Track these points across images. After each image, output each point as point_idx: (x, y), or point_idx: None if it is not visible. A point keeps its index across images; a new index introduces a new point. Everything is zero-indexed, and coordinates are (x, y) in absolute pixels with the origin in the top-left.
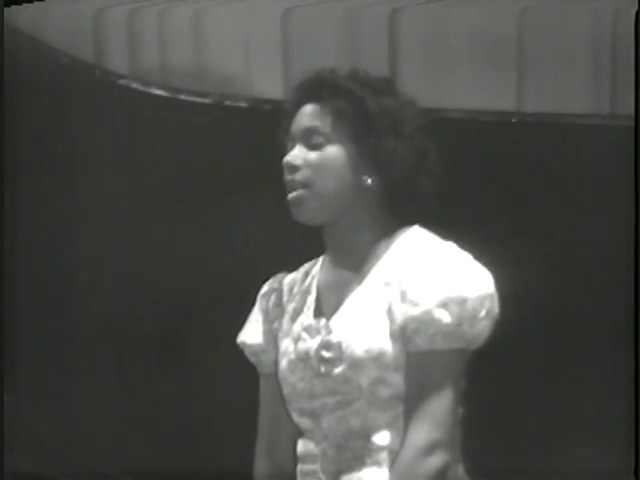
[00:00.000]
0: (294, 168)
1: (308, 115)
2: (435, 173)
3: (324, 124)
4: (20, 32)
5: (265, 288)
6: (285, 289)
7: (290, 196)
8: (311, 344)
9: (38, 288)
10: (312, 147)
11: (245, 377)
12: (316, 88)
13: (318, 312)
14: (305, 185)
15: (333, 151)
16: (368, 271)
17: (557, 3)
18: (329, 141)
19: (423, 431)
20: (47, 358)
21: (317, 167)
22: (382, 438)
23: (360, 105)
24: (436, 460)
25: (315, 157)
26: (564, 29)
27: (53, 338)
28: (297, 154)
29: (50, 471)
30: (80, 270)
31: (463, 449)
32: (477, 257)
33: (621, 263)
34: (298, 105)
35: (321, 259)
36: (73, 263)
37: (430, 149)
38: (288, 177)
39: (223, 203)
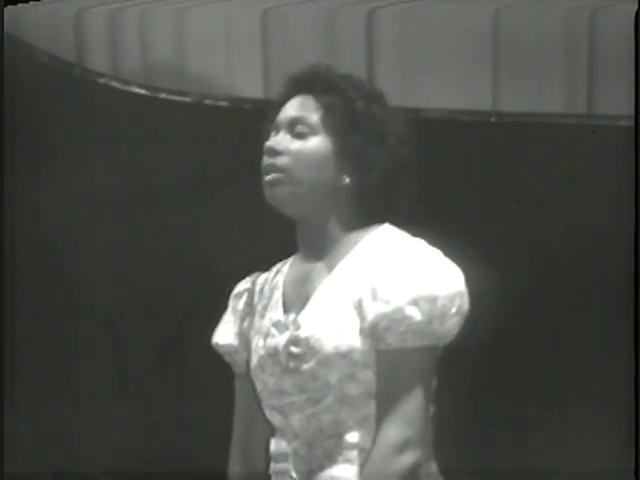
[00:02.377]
0: (275, 152)
1: (296, 105)
2: (411, 188)
3: (312, 115)
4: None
5: (238, 289)
6: (257, 289)
7: (266, 178)
8: (280, 340)
9: (37, 288)
10: (296, 136)
11: None
12: (309, 81)
13: (286, 307)
14: (282, 170)
15: (316, 143)
16: (335, 265)
17: (533, 2)
18: (314, 132)
19: (395, 429)
20: (47, 358)
21: (298, 156)
22: (353, 436)
23: (350, 104)
24: (408, 458)
25: (297, 146)
26: (540, 28)
27: (53, 338)
28: (279, 140)
29: (50, 471)
30: (79, 271)
31: (461, 449)
32: (455, 255)
33: (603, 261)
34: (288, 97)
35: (291, 258)
36: (71, 263)
37: (411, 163)
38: (267, 161)
39: (204, 202)
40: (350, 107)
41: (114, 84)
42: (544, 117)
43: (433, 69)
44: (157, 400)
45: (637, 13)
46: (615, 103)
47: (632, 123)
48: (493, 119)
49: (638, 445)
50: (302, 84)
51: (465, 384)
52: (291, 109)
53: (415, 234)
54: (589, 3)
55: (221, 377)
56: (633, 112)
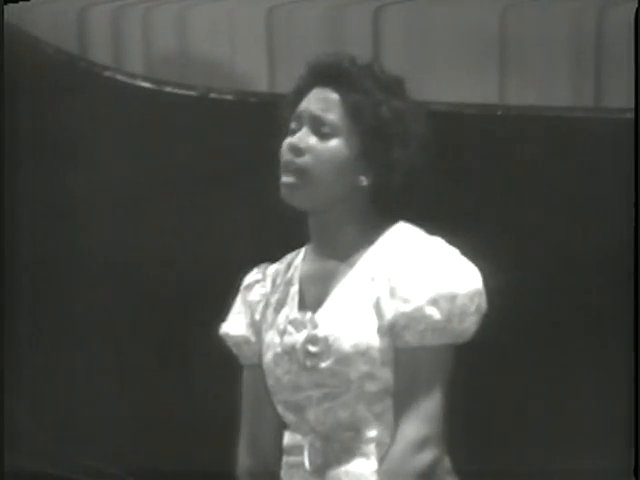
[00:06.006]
0: (297, 151)
1: (321, 101)
2: (428, 187)
3: (336, 115)
4: (5, 23)
5: (248, 279)
6: (268, 280)
7: (284, 179)
8: (297, 338)
9: (38, 287)
10: (319, 135)
11: None
12: (335, 75)
13: (302, 304)
14: (302, 172)
15: (338, 145)
16: (353, 264)
17: (539, 2)
18: (337, 133)
19: (414, 427)
20: (47, 357)
21: (319, 156)
22: (371, 430)
23: (376, 108)
24: (427, 456)
25: (320, 146)
26: (546, 25)
27: (53, 338)
28: (303, 138)
29: (50, 471)
30: (79, 269)
31: (461, 449)
32: (464, 252)
33: (613, 255)
34: (311, 85)
35: (304, 249)
36: (71, 262)
37: (428, 161)
38: (288, 157)
39: (208, 197)
40: (376, 111)
41: (119, 77)
42: (551, 110)
43: (439, 66)
44: (157, 399)
45: (637, 11)
46: (622, 96)
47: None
48: (499, 112)
49: (638, 445)
50: (326, 76)
51: (464, 383)
52: (315, 105)
53: (426, 230)
54: (593, 2)
55: (222, 376)
56: (634, 116)
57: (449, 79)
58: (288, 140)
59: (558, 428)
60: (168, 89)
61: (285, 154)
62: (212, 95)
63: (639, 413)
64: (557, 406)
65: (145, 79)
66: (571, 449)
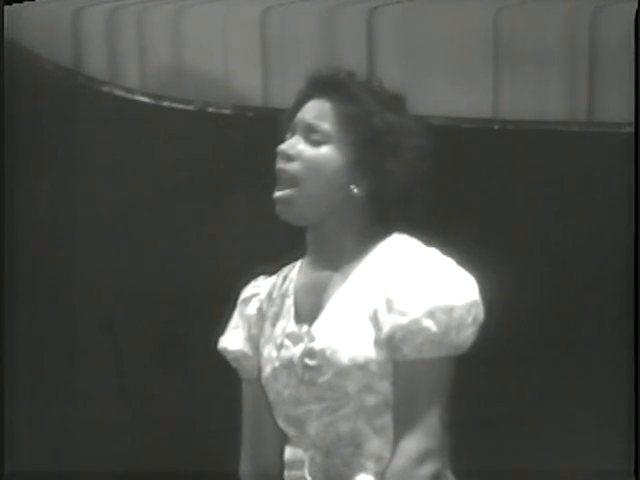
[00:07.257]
0: (287, 157)
1: (314, 111)
2: (425, 198)
3: (328, 124)
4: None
5: (245, 294)
6: (265, 294)
7: (278, 194)
8: (294, 351)
9: (38, 289)
10: (310, 143)
11: None
12: (331, 86)
13: (298, 316)
14: (294, 182)
15: (329, 153)
16: (348, 275)
17: (534, 4)
18: (328, 141)
19: (414, 440)
20: (47, 358)
21: (310, 164)
22: (371, 445)
23: (370, 118)
24: (428, 469)
25: (310, 153)
26: (540, 30)
27: (52, 338)
28: (293, 144)
29: (50, 471)
30: (79, 271)
31: (462, 450)
32: (462, 263)
33: (610, 266)
34: (308, 97)
35: (299, 262)
36: (72, 265)
37: (426, 175)
38: (279, 165)
39: (205, 206)
40: (369, 121)
41: (117, 92)
42: (547, 124)
43: (433, 70)
44: (157, 400)
45: (637, 12)
46: (616, 109)
47: (633, 130)
48: (496, 126)
49: (638, 445)
50: (323, 88)
51: (464, 384)
52: (308, 114)
53: (424, 242)
54: (590, 3)
55: (222, 377)
56: (633, 117)
57: (444, 81)
58: (278, 147)
59: (558, 428)
60: (166, 104)
61: (277, 163)
62: (210, 109)
63: (639, 413)
64: (557, 407)
65: (143, 94)
66: (571, 449)
